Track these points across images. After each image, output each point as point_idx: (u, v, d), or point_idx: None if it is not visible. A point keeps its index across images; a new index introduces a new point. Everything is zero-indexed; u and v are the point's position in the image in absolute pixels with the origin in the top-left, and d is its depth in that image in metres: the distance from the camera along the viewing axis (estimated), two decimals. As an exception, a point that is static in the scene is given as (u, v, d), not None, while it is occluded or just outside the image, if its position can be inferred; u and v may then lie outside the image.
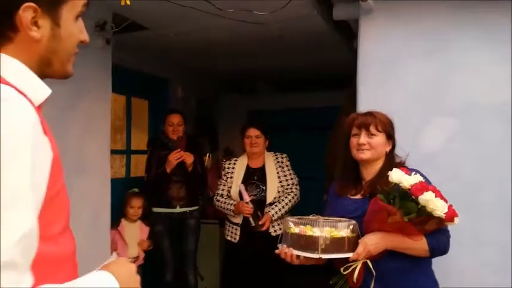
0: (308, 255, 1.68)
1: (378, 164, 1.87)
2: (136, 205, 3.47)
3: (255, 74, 5.42)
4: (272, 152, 3.35)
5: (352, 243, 1.69)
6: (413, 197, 1.59)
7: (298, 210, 2.97)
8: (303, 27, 3.26)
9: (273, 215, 3.12)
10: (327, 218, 1.80)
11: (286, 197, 3.20)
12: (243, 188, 3.17)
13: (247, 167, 3.32)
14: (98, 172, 3.02)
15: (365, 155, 1.84)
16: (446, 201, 1.61)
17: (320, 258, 1.65)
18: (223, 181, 3.36)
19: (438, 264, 1.82)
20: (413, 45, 2.30)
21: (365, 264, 1.71)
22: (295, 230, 1.73)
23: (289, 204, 3.19)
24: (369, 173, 1.89)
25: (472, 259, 2.17)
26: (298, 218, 1.79)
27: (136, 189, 3.62)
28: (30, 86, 0.87)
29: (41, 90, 0.90)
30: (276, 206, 3.16)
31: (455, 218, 1.63)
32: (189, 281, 3.62)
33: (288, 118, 5.62)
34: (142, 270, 3.42)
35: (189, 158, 3.50)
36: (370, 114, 1.89)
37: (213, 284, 4.06)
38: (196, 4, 2.70)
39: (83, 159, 2.88)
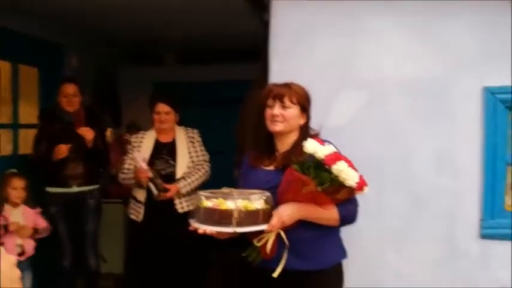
0: (223, 230, 1.63)
1: (293, 137, 1.88)
2: (19, 186, 3.04)
3: (159, 44, 5.17)
4: (183, 127, 3.22)
5: (266, 215, 1.67)
6: (326, 166, 1.61)
7: (207, 185, 2.88)
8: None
9: (180, 188, 3.00)
10: (240, 190, 1.77)
11: (196, 173, 3.10)
12: (138, 155, 2.98)
13: (156, 141, 3.14)
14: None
15: (278, 127, 1.83)
16: (357, 170, 1.65)
17: (235, 232, 1.61)
18: (130, 155, 3.15)
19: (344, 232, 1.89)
20: (325, 18, 2.31)
21: (278, 235, 1.71)
22: (208, 204, 1.67)
23: (200, 180, 3.09)
24: (283, 144, 1.88)
25: (375, 227, 2.28)
26: (211, 192, 1.73)
27: (15, 170, 3.17)
28: None
29: None
30: (185, 179, 3.05)
31: (365, 188, 1.68)
32: (90, 265, 3.42)
33: (195, 92, 5.48)
34: (38, 259, 3.02)
35: (89, 134, 3.23)
36: (286, 85, 1.87)
37: (117, 267, 3.87)
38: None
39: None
